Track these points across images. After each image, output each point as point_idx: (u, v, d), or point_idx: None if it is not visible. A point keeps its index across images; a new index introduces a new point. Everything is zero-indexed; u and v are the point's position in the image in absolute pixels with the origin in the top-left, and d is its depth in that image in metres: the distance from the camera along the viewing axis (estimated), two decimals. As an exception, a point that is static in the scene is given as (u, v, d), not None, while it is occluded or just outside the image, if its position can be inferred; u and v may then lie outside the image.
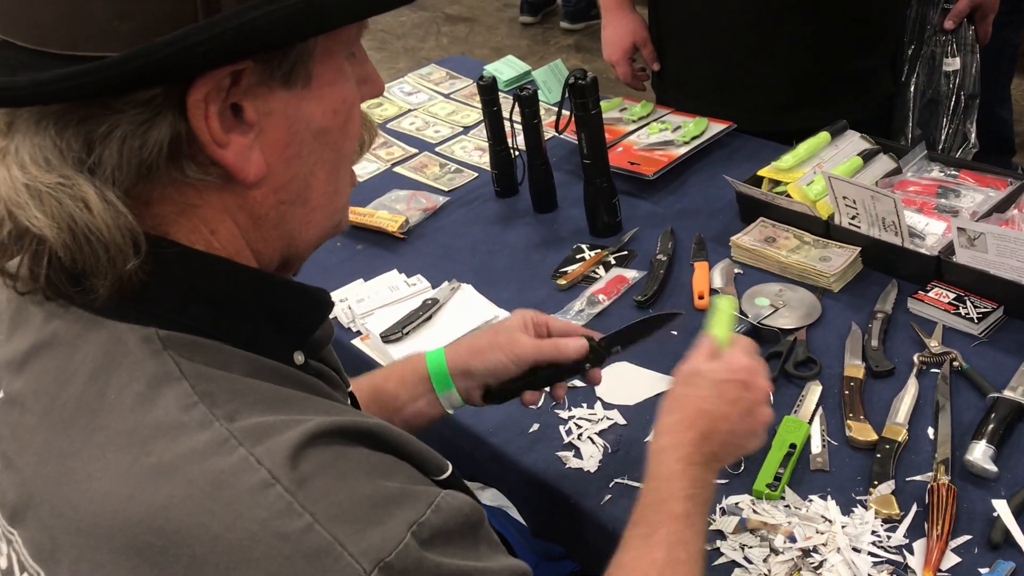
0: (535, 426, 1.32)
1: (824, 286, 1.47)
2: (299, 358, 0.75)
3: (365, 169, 2.04)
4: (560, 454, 1.27)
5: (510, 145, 1.80)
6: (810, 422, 1.24)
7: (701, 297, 1.49)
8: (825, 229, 1.53)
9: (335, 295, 1.64)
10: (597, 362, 1.15)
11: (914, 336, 1.35)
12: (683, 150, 1.82)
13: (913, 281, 1.43)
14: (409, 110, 2.27)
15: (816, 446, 1.21)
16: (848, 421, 1.22)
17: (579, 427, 1.30)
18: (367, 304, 1.59)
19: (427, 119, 2.21)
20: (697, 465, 0.94)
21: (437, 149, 2.08)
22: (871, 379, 1.29)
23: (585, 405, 1.34)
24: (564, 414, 1.33)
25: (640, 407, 1.31)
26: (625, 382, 1.34)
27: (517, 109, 1.70)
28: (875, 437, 1.19)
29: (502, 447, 1.30)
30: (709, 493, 0.96)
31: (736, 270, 1.55)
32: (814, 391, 1.29)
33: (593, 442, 1.28)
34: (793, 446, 1.19)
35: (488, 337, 1.14)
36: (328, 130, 0.71)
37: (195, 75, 0.62)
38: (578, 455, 1.26)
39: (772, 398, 1.02)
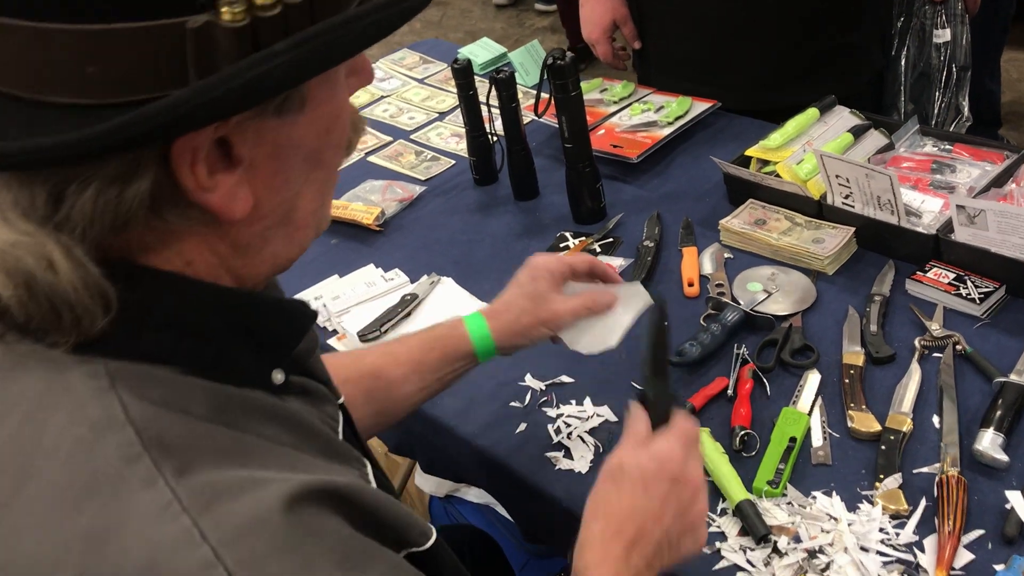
0: (522, 426, 1.26)
1: (818, 269, 1.41)
2: (278, 377, 0.68)
3: (338, 159, 1.97)
4: (550, 455, 1.21)
5: (488, 130, 1.73)
6: (809, 413, 1.18)
7: (691, 284, 1.43)
8: (817, 209, 1.47)
9: (309, 292, 1.58)
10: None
11: (914, 319, 1.30)
12: (667, 131, 1.76)
13: (911, 261, 1.38)
14: (382, 96, 2.19)
15: (817, 439, 1.15)
16: (849, 411, 1.17)
17: (568, 426, 1.24)
18: (343, 301, 1.52)
19: (401, 105, 2.14)
20: None
21: (412, 137, 2.00)
22: (871, 366, 1.24)
23: (574, 402, 1.28)
24: (552, 412, 1.27)
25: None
26: (595, 327, 1.16)
27: (494, 93, 1.63)
28: (879, 428, 1.13)
29: (489, 449, 1.24)
30: None
31: (726, 255, 1.49)
32: (812, 380, 1.23)
33: (584, 441, 1.22)
34: (793, 440, 1.14)
35: (528, 309, 1.11)
36: (319, 150, 0.65)
37: (185, 132, 0.56)
38: (568, 455, 1.20)
39: (706, 491, 0.91)
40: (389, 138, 2.01)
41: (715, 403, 1.23)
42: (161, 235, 0.61)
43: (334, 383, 0.82)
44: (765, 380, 1.24)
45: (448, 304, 1.48)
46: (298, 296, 1.57)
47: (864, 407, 1.17)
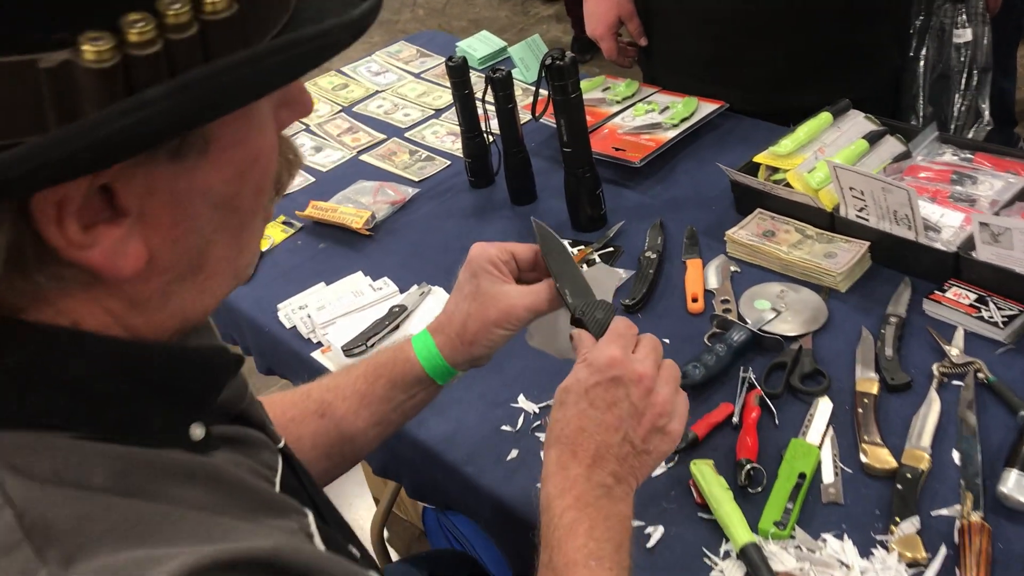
0: (513, 452, 1.18)
1: (830, 285, 1.33)
2: (198, 432, 0.61)
3: (329, 158, 1.89)
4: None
5: (484, 129, 1.65)
6: (820, 446, 1.11)
7: (695, 300, 1.35)
8: (830, 222, 1.39)
9: (294, 300, 1.50)
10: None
11: (932, 343, 1.22)
12: (672, 133, 1.67)
13: (928, 279, 1.30)
14: (376, 91, 2.11)
15: (828, 474, 1.08)
16: (863, 445, 1.09)
17: (562, 453, 1.17)
18: (328, 312, 1.45)
19: (396, 101, 2.05)
20: (593, 504, 0.79)
21: (406, 135, 1.92)
22: (886, 394, 1.16)
23: (569, 427, 1.20)
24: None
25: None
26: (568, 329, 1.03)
27: (490, 93, 1.55)
28: (894, 464, 1.06)
29: (476, 477, 1.16)
30: (621, 528, 0.80)
31: (732, 268, 1.41)
32: (823, 408, 1.16)
33: (578, 470, 1.14)
34: (802, 476, 1.06)
35: (474, 312, 0.97)
36: (232, 196, 0.57)
37: (43, 186, 0.48)
38: (562, 486, 1.13)
39: (676, 372, 0.86)
40: (382, 136, 1.93)
41: (720, 432, 1.15)
42: (33, 297, 0.53)
43: (274, 426, 0.74)
44: (773, 407, 1.16)
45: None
46: (282, 305, 1.49)
47: (879, 440, 1.09)
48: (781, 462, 1.09)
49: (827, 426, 1.13)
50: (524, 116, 1.62)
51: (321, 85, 2.16)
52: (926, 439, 1.08)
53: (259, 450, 0.69)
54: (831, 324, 1.28)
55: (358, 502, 2.34)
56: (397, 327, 1.39)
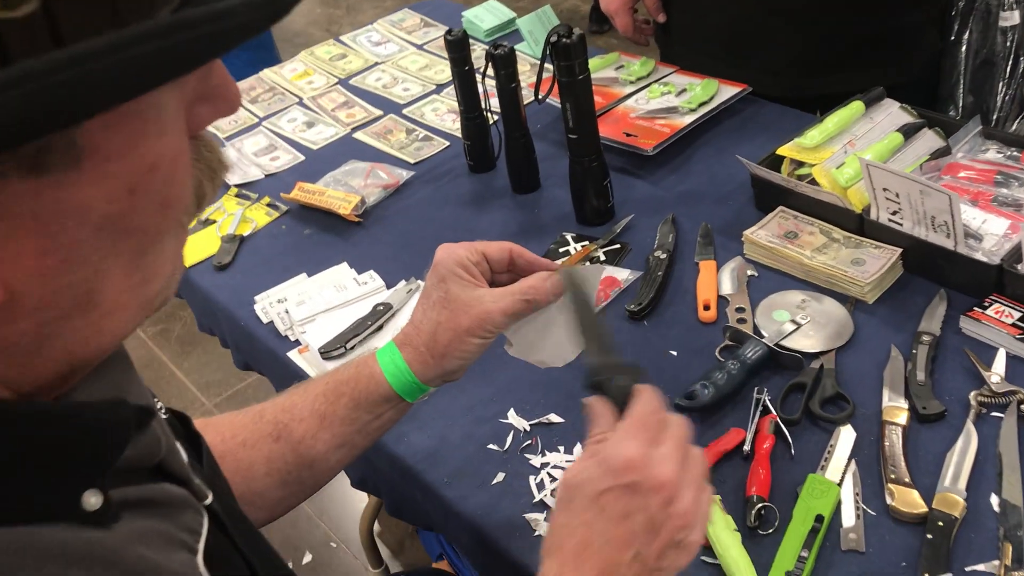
0: (499, 476, 1.07)
1: (856, 296, 1.20)
2: (92, 500, 0.50)
3: (321, 134, 1.77)
4: (529, 516, 1.02)
5: (484, 107, 1.52)
6: (840, 483, 0.99)
7: (707, 307, 1.23)
8: (859, 224, 1.26)
9: (273, 293, 1.39)
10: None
11: (969, 366, 1.09)
12: (688, 119, 1.54)
13: (967, 293, 1.17)
14: (376, 63, 1.98)
15: (848, 518, 0.96)
16: (889, 484, 0.97)
17: (554, 479, 1.05)
18: (308, 308, 1.33)
19: (396, 74, 1.92)
20: None
21: (404, 111, 1.80)
22: (916, 424, 1.04)
23: (563, 448, 1.09)
24: (536, 459, 1.08)
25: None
26: (552, 330, 0.92)
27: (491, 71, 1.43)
28: (924, 509, 0.94)
29: (458, 503, 1.05)
30: None
31: (749, 271, 1.28)
32: (845, 439, 1.04)
33: (570, 500, 1.03)
34: (820, 519, 0.95)
35: (444, 321, 0.86)
36: (122, 215, 0.46)
37: None
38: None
39: (703, 467, 0.72)
40: (379, 112, 1.81)
41: (729, 461, 1.04)
42: None
43: (199, 480, 0.62)
44: (789, 436, 1.04)
45: (426, 317, 1.29)
46: (259, 297, 1.38)
47: (907, 480, 0.97)
48: (796, 500, 0.97)
49: (849, 460, 1.01)
50: (529, 96, 1.49)
51: (318, 55, 2.04)
52: (961, 481, 0.96)
53: (179, 511, 0.58)
54: (856, 340, 1.15)
55: (353, 495, 2.24)
56: (381, 327, 1.28)
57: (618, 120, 1.57)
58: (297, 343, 1.31)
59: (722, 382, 1.10)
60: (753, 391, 1.09)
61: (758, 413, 1.07)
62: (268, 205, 1.60)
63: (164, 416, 0.67)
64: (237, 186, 1.66)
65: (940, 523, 0.92)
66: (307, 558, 2.19)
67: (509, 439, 1.11)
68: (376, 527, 2.07)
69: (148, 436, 0.57)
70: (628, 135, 1.52)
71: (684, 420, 0.73)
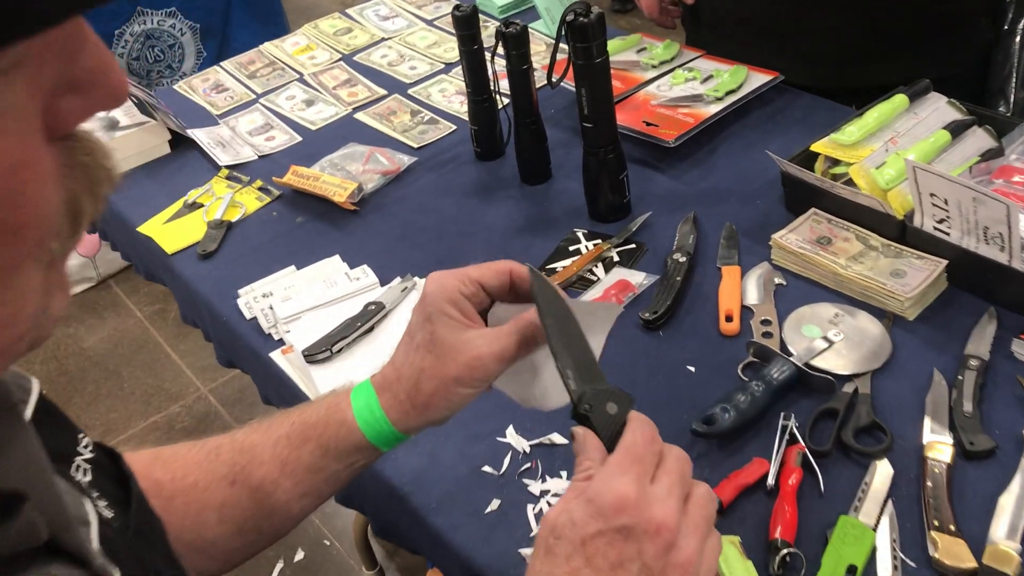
0: (494, 503, 0.96)
1: (895, 311, 1.09)
2: None
3: (320, 114, 1.66)
4: (525, 552, 0.91)
5: (493, 89, 1.41)
6: (876, 527, 0.88)
7: (729, 319, 1.12)
8: (900, 231, 1.14)
9: (257, 287, 1.28)
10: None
11: (1022, 396, 0.98)
12: (714, 108, 1.42)
13: (1020, 311, 1.05)
14: (383, 39, 1.87)
15: (885, 569, 0.85)
16: (932, 532, 0.86)
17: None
18: (294, 304, 1.23)
19: (403, 51, 1.81)
20: None
21: (410, 91, 1.68)
22: (963, 462, 0.93)
23: (565, 473, 0.99)
24: (535, 486, 0.97)
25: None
26: (549, 369, 0.79)
27: (502, 51, 1.31)
28: (973, 564, 0.83)
29: (448, 532, 0.95)
30: None
31: (777, 280, 1.17)
32: (882, 475, 0.92)
33: (571, 533, 0.92)
34: (852, 570, 0.84)
35: (429, 367, 0.73)
36: None
37: None
38: (549, 554, 0.91)
39: (709, 508, 0.61)
40: (383, 91, 1.70)
41: (750, 497, 0.93)
42: None
43: (104, 559, 0.50)
44: (819, 470, 0.93)
45: (422, 319, 1.18)
46: (243, 291, 1.28)
47: (952, 527, 0.86)
48: (826, 546, 0.86)
49: (886, 500, 0.90)
50: (542, 79, 1.38)
51: (322, 29, 1.92)
52: (1018, 531, 0.85)
53: None
54: (895, 362, 1.04)
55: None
56: (371, 329, 1.17)
57: (638, 107, 1.45)
58: (281, 343, 1.20)
59: (745, 405, 0.98)
60: (779, 417, 0.98)
61: (784, 442, 0.96)
62: (260, 189, 1.49)
63: (88, 456, 0.56)
64: (228, 167, 1.55)
65: (990, 581, 0.81)
66: (299, 555, 2.09)
67: (507, 461, 1.00)
68: (371, 527, 1.97)
69: (19, 524, 0.45)
70: (648, 124, 1.40)
71: (684, 453, 0.63)
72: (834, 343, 1.06)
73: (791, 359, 1.03)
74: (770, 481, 0.93)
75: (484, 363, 0.72)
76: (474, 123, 1.44)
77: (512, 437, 1.03)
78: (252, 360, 1.24)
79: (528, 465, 1.00)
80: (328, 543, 2.11)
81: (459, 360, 0.72)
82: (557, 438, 1.02)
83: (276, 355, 1.19)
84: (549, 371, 0.76)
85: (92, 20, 0.37)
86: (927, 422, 0.96)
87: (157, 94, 1.75)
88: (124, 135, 1.60)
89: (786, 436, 0.97)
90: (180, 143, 1.64)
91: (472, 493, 0.98)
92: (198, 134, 1.62)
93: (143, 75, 2.73)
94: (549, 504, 0.95)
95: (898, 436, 0.96)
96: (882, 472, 0.93)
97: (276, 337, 1.21)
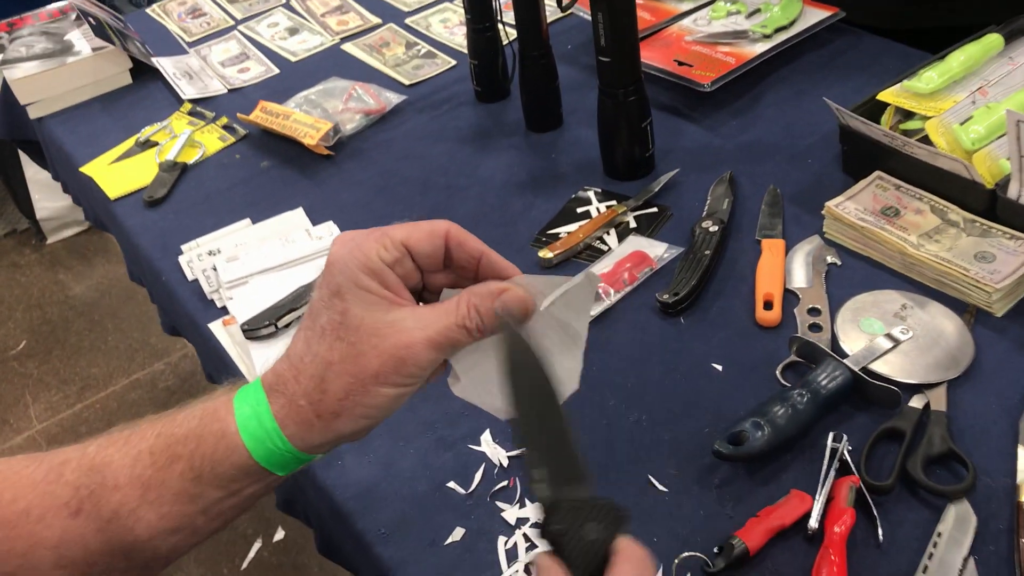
0: (458, 532, 0.76)
1: (979, 304, 0.86)
2: None
3: (304, 45, 1.44)
4: (491, 599, 0.71)
5: (496, 16, 1.19)
6: (953, 596, 0.66)
7: (768, 305, 0.90)
8: (988, 203, 0.91)
9: (203, 242, 1.09)
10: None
11: None
12: (761, 47, 1.19)
13: None
14: (383, -38, 1.64)
15: (964, 656, 0.64)
16: (1029, 608, 0.64)
17: (532, 545, 0.74)
18: (242, 266, 1.02)
19: (404, -25, 1.58)
20: None
21: (408, 21, 1.46)
22: (1069, 509, 0.71)
23: (550, 496, 0.77)
24: (511, 511, 0.77)
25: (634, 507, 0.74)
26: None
27: (505, -33, 1.09)
28: (1086, 659, 0.61)
29: (396, 568, 0.75)
30: None
31: (830, 258, 0.95)
32: (961, 523, 0.71)
33: (551, 578, 0.72)
34: (921, 657, 0.62)
35: (341, 362, 0.53)
36: None
37: None
38: (522, 606, 0.71)
39: None
40: (377, 20, 1.48)
41: (784, 543, 0.71)
42: None
43: None
44: (876, 511, 0.72)
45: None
46: (186, 246, 1.08)
47: (1057, 603, 0.64)
48: (884, 619, 0.65)
49: (967, 559, 0.69)
50: (555, 10, 1.15)
51: (317, -51, 1.70)
52: None
53: None
54: (978, 370, 0.82)
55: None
56: (330, 300, 0.96)
57: (669, 44, 1.22)
58: (225, 311, 1.00)
59: (783, 420, 0.77)
60: (827, 437, 0.77)
61: (833, 471, 0.74)
62: (224, 128, 1.28)
63: None
64: (192, 102, 1.34)
65: None
66: (279, 535, 1.92)
67: (478, 476, 0.80)
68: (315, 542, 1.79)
69: None
70: (680, 64, 1.18)
71: None
72: (900, 343, 0.84)
73: (846, 363, 0.81)
74: (812, 523, 0.71)
75: (415, 352, 0.52)
76: (474, 56, 1.22)
77: (487, 445, 0.82)
78: (192, 330, 1.04)
79: (504, 484, 0.79)
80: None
81: (380, 348, 0.51)
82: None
83: (216, 326, 0.99)
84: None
85: None
86: (1022, 453, 0.74)
87: (127, 18, 1.54)
88: (77, 61, 1.39)
89: (835, 464, 0.75)
90: (144, 73, 1.43)
91: (431, 517, 0.77)
92: (163, 63, 1.42)
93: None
94: (526, 537, 0.75)
95: (983, 471, 0.74)
96: (961, 518, 0.71)
97: (220, 304, 1.01)
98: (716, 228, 0.98)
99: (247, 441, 0.53)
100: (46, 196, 2.62)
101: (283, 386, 0.54)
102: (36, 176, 2.55)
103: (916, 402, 0.79)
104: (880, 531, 0.71)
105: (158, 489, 0.54)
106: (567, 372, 0.56)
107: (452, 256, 0.55)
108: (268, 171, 1.20)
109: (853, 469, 0.75)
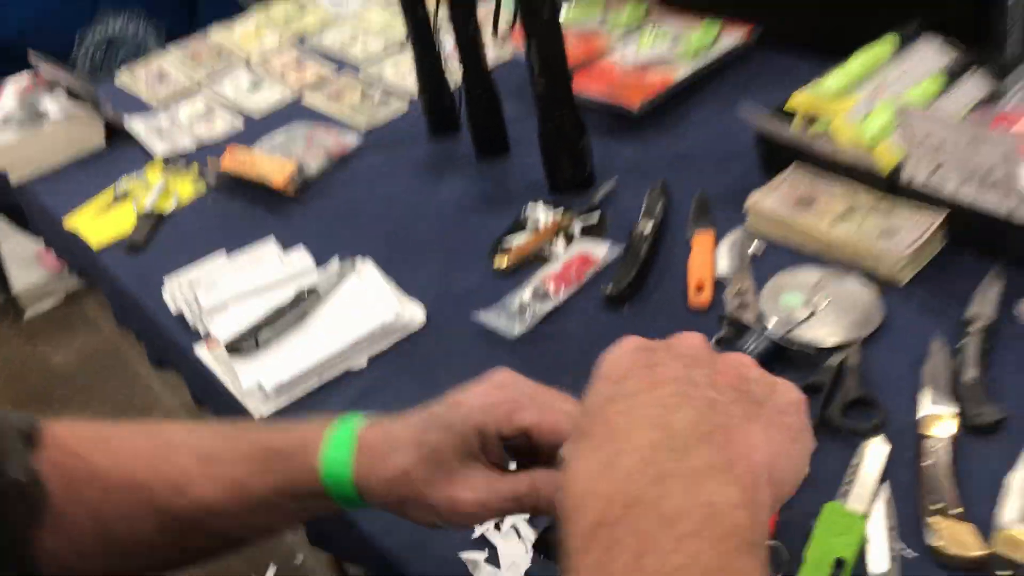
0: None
1: (887, 274, 0.97)
2: None
3: (267, 100, 1.55)
4: (466, 556, 0.79)
5: (436, 46, 1.29)
6: (868, 516, 0.75)
7: (700, 289, 1.00)
8: (889, 186, 1.02)
9: (183, 275, 1.17)
10: None
11: (1033, 362, 0.86)
12: (684, 70, 1.30)
13: (1027, 269, 0.93)
14: (336, 21, 1.76)
15: (879, 562, 0.72)
16: (933, 518, 0.73)
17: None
18: (220, 293, 1.11)
19: (356, 32, 1.70)
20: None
21: (362, 72, 1.57)
22: (967, 436, 0.80)
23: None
24: (480, 482, 0.85)
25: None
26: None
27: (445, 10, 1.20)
28: (983, 551, 0.70)
29: (378, 539, 0.83)
30: None
31: (754, 247, 1.05)
32: (875, 456, 0.80)
33: (520, 535, 0.80)
34: (841, 564, 0.71)
35: (418, 478, 0.60)
36: None
37: None
38: (494, 560, 0.79)
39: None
40: (333, 72, 1.58)
41: (722, 486, 0.80)
42: None
43: None
44: (801, 452, 0.81)
45: (360, 302, 1.06)
46: (169, 280, 1.17)
47: (958, 511, 0.73)
48: (810, 538, 0.74)
49: (879, 484, 0.78)
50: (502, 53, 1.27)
51: (273, 16, 1.81)
52: (1030, 513, 0.72)
53: None
54: (887, 329, 0.92)
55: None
56: (304, 315, 1.05)
57: (599, 76, 1.34)
58: (207, 335, 1.09)
59: (716, 383, 0.86)
60: (756, 394, 0.86)
61: (762, 422, 0.84)
62: (198, 175, 1.38)
63: None
64: (165, 160, 1.44)
65: (1001, 571, 0.69)
66: (270, 572, 1.97)
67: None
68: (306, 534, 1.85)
69: None
70: (610, 92, 1.29)
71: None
72: (817, 311, 0.94)
73: (769, 331, 0.91)
74: (746, 467, 0.80)
75: (461, 508, 0.60)
76: (423, 90, 1.33)
77: (455, 429, 0.90)
78: (178, 357, 1.12)
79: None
80: (299, 561, 1.99)
81: (441, 490, 0.60)
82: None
83: (201, 350, 1.07)
84: None
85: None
86: (925, 394, 0.84)
87: (100, 90, 1.64)
88: (53, 128, 1.48)
89: (764, 415, 0.84)
90: (118, 136, 1.53)
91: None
92: (136, 124, 1.51)
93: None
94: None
95: (892, 411, 0.83)
96: (874, 452, 0.80)
97: (203, 332, 1.10)
98: (651, 228, 1.08)
99: (326, 480, 0.61)
100: (22, 270, 2.70)
101: (375, 452, 0.61)
102: (14, 250, 2.62)
103: (833, 360, 0.89)
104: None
105: (243, 491, 0.63)
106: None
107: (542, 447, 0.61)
108: (240, 212, 1.29)
109: (779, 419, 0.84)
